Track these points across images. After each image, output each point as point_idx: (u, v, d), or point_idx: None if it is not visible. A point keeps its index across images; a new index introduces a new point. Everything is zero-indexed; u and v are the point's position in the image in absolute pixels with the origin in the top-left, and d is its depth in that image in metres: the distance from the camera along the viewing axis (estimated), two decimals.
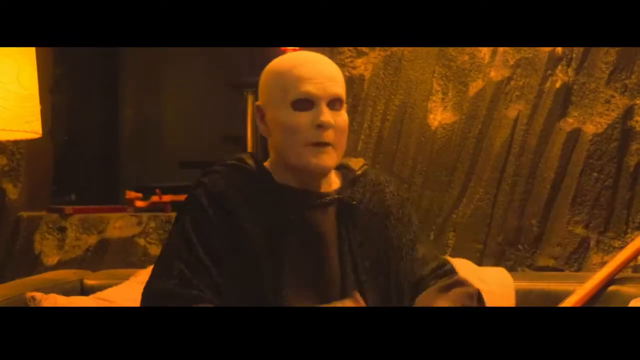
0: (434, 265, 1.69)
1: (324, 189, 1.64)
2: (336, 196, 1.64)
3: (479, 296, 1.65)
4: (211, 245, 1.56)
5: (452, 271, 1.70)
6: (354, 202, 1.64)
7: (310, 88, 1.57)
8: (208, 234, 1.56)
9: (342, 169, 1.70)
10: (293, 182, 1.62)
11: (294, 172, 1.61)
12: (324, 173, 1.61)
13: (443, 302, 1.59)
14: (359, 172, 1.70)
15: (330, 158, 1.58)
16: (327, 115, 1.57)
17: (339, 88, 1.60)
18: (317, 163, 1.57)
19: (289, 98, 1.58)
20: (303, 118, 1.57)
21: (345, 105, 1.63)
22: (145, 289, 1.57)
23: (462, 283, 1.66)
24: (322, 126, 1.56)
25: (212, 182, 1.61)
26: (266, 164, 1.66)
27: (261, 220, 1.58)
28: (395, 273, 1.65)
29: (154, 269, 1.59)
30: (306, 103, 1.58)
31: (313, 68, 1.59)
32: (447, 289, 1.63)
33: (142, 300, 1.56)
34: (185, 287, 1.52)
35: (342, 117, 1.60)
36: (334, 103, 1.59)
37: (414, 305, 1.61)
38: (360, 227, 1.64)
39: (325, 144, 1.57)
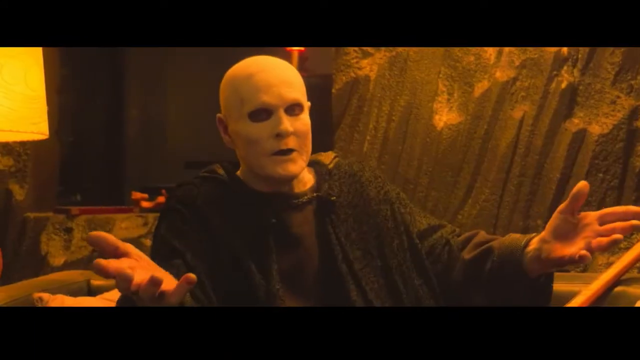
0: (446, 231, 1.71)
1: (298, 189, 1.64)
2: (313, 194, 1.64)
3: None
4: (188, 240, 1.55)
5: (458, 233, 1.73)
6: (333, 198, 1.64)
7: (265, 98, 1.56)
8: (184, 232, 1.57)
9: (314, 165, 1.69)
10: (265, 187, 1.62)
11: (263, 179, 1.61)
12: (291, 180, 1.61)
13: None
14: (331, 165, 1.69)
15: (294, 164, 1.57)
16: (285, 124, 1.55)
17: (297, 92, 1.58)
18: (282, 173, 1.57)
19: (246, 110, 1.57)
20: (262, 129, 1.56)
21: (306, 108, 1.61)
22: None
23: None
24: (280, 135, 1.55)
25: (185, 193, 1.62)
26: (238, 172, 1.66)
27: (238, 227, 1.58)
28: (394, 253, 1.64)
29: None
30: (263, 113, 1.56)
31: (267, 76, 1.57)
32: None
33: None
34: None
35: (302, 122, 1.58)
36: (292, 108, 1.57)
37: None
38: (344, 219, 1.64)
39: (288, 151, 1.56)
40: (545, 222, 2.48)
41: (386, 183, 1.73)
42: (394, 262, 1.63)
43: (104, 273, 1.24)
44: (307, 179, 1.67)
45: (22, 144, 2.87)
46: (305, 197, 1.63)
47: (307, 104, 1.61)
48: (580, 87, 2.48)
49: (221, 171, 1.65)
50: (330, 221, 1.62)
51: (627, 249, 2.28)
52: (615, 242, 1.49)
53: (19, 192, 2.92)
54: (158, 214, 2.89)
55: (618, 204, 2.46)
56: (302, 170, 1.61)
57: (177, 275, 1.48)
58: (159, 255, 1.57)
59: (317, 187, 1.66)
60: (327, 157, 1.72)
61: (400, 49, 2.59)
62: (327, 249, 1.61)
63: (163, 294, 1.27)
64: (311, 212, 1.63)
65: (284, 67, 1.61)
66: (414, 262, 1.65)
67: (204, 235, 1.57)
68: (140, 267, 1.29)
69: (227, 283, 1.55)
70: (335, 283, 1.59)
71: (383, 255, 1.63)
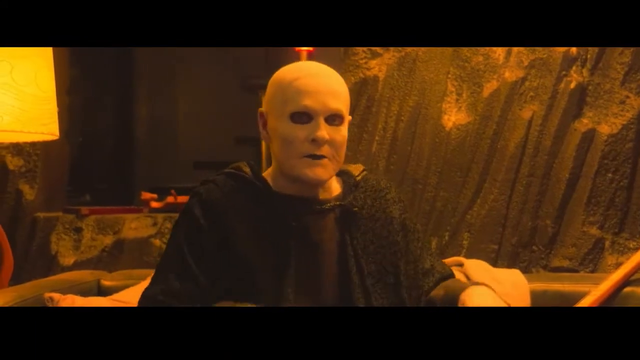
0: (439, 276, 1.73)
1: (323, 196, 1.66)
2: (337, 203, 1.65)
3: None
4: (202, 255, 1.59)
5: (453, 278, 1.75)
6: (355, 209, 1.65)
7: (308, 102, 1.57)
8: (200, 245, 1.60)
9: (342, 175, 1.71)
10: (291, 190, 1.63)
11: (291, 180, 1.62)
12: (318, 184, 1.62)
13: None
14: (359, 177, 1.71)
15: (325, 170, 1.59)
16: (322, 131, 1.57)
17: (340, 103, 1.60)
18: (311, 175, 1.58)
19: (288, 110, 1.59)
20: (300, 131, 1.58)
21: (346, 120, 1.62)
22: (141, 294, 1.62)
23: None
24: (316, 141, 1.57)
25: (207, 192, 1.64)
26: (266, 172, 1.68)
27: (257, 227, 1.60)
28: (405, 273, 1.67)
29: (152, 276, 1.64)
30: (304, 116, 1.58)
31: (315, 81, 1.59)
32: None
33: (138, 304, 1.60)
34: (167, 296, 1.57)
35: (340, 133, 1.59)
36: (333, 118, 1.59)
37: None
38: (364, 231, 1.65)
39: (320, 157, 1.58)
40: (554, 222, 2.49)
41: (407, 210, 1.75)
42: (405, 282, 1.66)
43: None
44: (333, 188, 1.68)
45: (33, 144, 2.88)
46: (329, 204, 1.64)
47: (348, 117, 1.63)
48: (590, 87, 2.48)
49: (247, 169, 1.67)
50: (349, 232, 1.64)
51: (637, 249, 2.28)
52: None
53: (29, 192, 2.93)
54: (167, 214, 2.90)
55: (627, 203, 2.46)
56: (331, 177, 1.63)
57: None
58: (169, 261, 1.62)
59: (342, 196, 1.67)
60: (357, 169, 1.74)
61: (409, 49, 2.60)
62: (342, 258, 1.62)
63: None
64: (332, 219, 1.64)
65: (331, 76, 1.62)
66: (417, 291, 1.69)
67: (221, 237, 1.59)
68: None
69: (239, 286, 1.56)
70: (345, 292, 1.61)
71: (397, 272, 1.65)
